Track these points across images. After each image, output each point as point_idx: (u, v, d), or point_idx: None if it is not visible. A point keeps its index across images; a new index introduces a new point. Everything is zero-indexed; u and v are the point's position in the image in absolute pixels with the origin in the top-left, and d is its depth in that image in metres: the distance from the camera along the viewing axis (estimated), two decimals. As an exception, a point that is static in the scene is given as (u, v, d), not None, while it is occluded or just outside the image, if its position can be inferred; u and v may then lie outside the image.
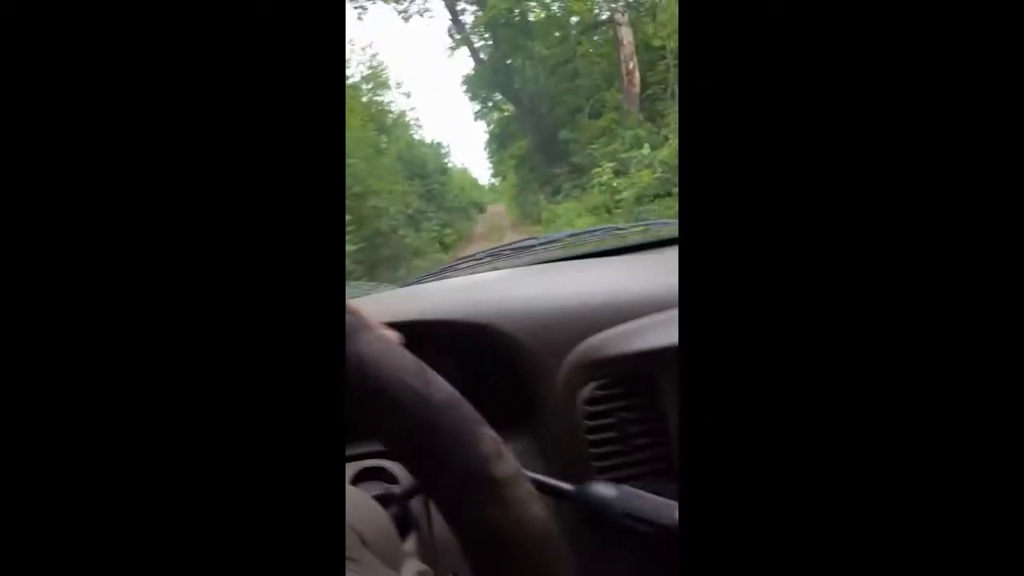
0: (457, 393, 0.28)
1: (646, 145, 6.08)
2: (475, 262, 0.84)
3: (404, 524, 0.48)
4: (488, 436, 0.27)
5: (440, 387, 0.28)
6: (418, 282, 0.78)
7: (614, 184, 6.02)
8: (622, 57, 7.26)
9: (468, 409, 0.28)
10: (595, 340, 0.48)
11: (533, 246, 0.87)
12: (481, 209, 18.00)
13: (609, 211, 5.93)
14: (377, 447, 0.52)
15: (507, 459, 0.27)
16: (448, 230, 10.26)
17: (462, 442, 0.27)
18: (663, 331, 0.47)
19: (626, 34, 7.26)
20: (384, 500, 0.46)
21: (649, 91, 7.12)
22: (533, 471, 0.33)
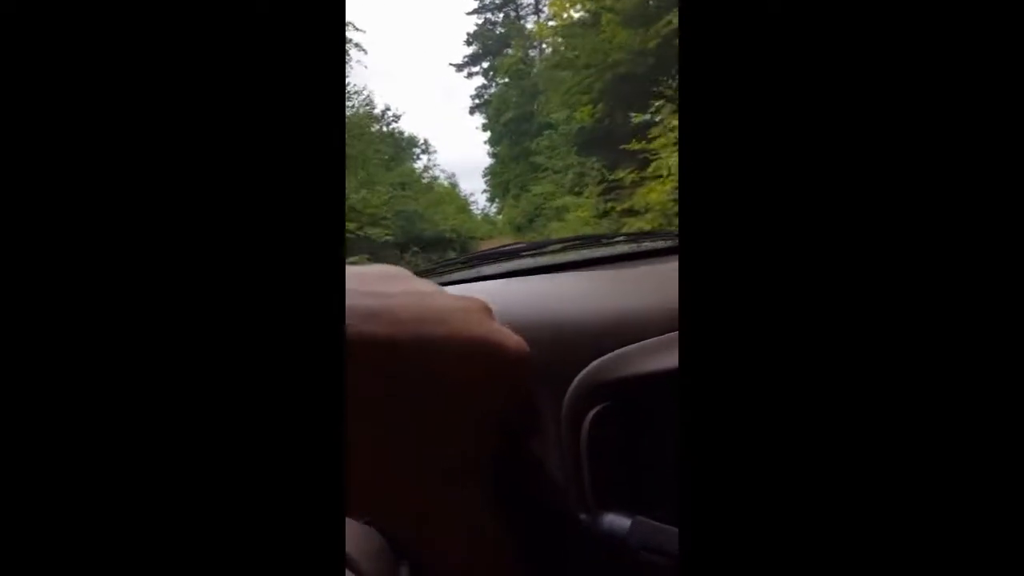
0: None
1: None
2: (460, 264, 0.84)
3: (399, 554, 0.46)
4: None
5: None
6: None
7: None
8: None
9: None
10: (603, 361, 0.48)
11: (520, 252, 0.87)
12: (463, 246, 13.31)
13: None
14: None
15: None
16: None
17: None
18: (669, 353, 0.46)
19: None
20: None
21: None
22: None
